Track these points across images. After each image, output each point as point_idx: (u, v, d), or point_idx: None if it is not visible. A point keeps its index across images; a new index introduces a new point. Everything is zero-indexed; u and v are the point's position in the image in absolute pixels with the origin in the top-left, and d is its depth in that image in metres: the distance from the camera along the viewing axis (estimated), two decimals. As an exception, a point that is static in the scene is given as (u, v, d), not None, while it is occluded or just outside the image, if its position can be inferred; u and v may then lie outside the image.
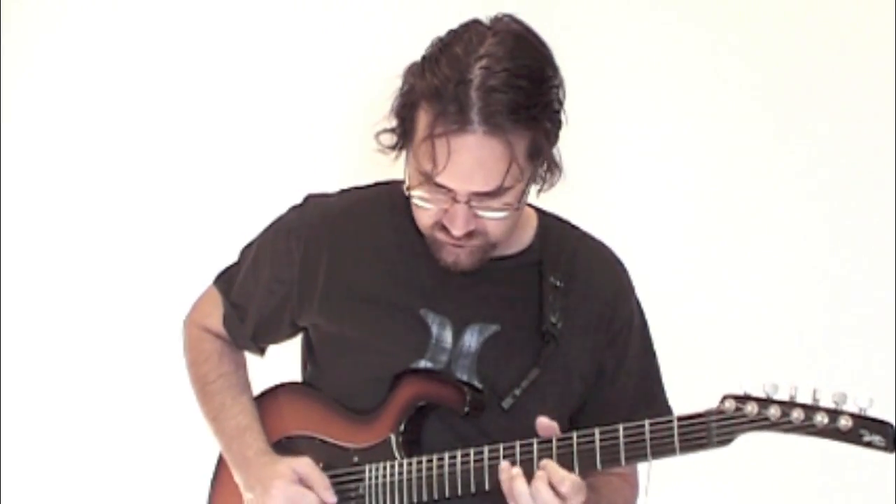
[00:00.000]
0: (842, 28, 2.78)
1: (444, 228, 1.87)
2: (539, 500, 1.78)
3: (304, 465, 1.96)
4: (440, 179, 1.82)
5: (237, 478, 2.04)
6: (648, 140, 2.84)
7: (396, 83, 1.88)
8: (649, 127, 2.83)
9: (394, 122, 1.89)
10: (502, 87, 1.77)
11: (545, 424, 1.83)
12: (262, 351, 2.16)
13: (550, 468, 1.79)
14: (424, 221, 1.89)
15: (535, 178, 1.89)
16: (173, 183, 2.98)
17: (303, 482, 1.95)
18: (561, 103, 1.86)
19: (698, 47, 2.83)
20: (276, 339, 2.13)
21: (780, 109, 2.80)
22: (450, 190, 1.83)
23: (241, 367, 2.16)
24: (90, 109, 2.99)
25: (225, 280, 2.13)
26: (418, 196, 1.86)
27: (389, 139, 1.90)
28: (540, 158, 1.86)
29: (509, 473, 1.81)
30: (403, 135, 1.88)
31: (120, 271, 2.99)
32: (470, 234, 1.86)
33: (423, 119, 1.82)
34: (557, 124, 1.86)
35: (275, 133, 2.95)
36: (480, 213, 1.84)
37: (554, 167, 1.89)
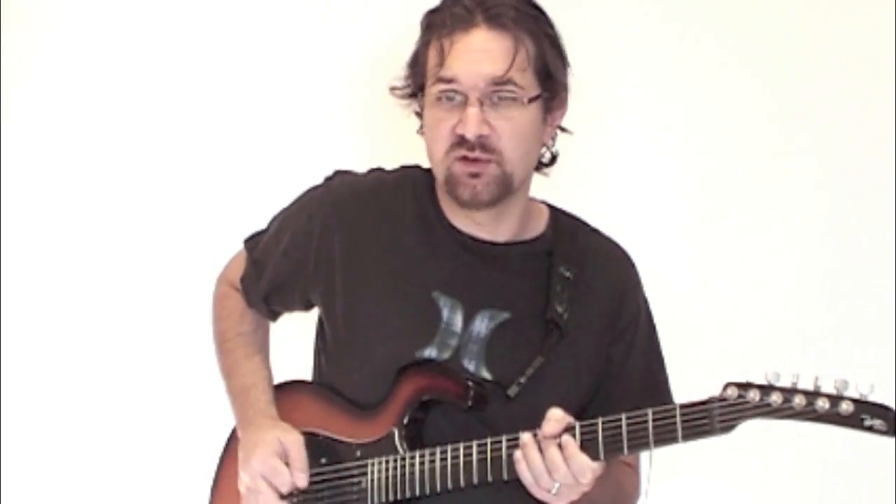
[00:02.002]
0: (842, 28, 2.80)
1: (459, 148, 1.89)
2: (556, 473, 1.80)
3: (291, 441, 1.97)
4: (446, 71, 1.88)
5: (241, 437, 2.05)
6: (651, 137, 2.85)
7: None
8: (652, 124, 2.84)
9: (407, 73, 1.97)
10: (506, 1, 1.89)
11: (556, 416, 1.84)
12: (273, 315, 2.17)
13: (569, 451, 1.80)
14: (440, 147, 1.92)
15: (544, 103, 1.93)
16: (175, 182, 2.97)
17: (284, 456, 1.96)
18: (563, 50, 1.95)
19: (700, 47, 2.84)
20: (287, 305, 2.15)
21: (781, 107, 2.81)
22: (459, 92, 1.88)
23: (262, 327, 2.18)
24: (90, 109, 2.97)
25: (254, 240, 2.16)
26: (432, 115, 1.91)
27: (403, 91, 1.98)
28: (546, 83, 1.92)
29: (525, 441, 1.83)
30: (421, 75, 1.94)
31: (121, 271, 2.98)
32: (484, 149, 1.89)
33: (433, 35, 1.92)
34: (561, 63, 1.94)
35: (277, 133, 2.95)
36: (491, 113, 1.88)
37: (562, 88, 1.95)
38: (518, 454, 1.83)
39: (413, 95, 1.97)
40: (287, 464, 1.96)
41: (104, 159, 2.98)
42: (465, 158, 1.90)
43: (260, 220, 2.17)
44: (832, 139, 2.79)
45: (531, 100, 1.90)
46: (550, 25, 1.94)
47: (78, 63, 2.97)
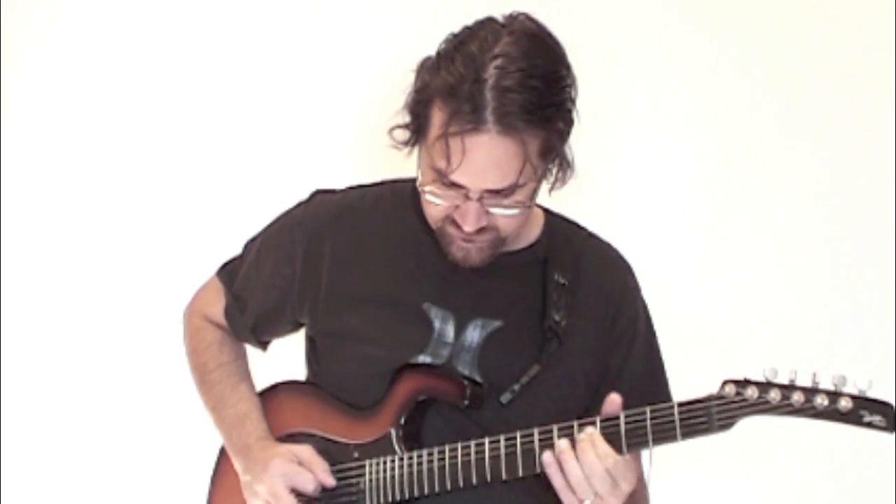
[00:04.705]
0: (842, 28, 2.80)
1: (455, 223, 1.87)
2: (591, 473, 1.77)
3: (305, 450, 1.97)
4: (454, 177, 1.82)
5: (237, 464, 2.04)
6: (651, 137, 2.85)
7: (407, 80, 1.88)
8: (651, 124, 2.85)
9: (407, 118, 1.88)
10: (516, 87, 1.77)
11: (615, 402, 1.81)
12: (263, 345, 2.16)
13: (594, 437, 1.78)
14: (435, 216, 1.90)
15: (546, 175, 1.89)
16: (179, 182, 2.98)
17: (302, 465, 1.96)
18: (573, 102, 1.86)
19: (703, 48, 2.85)
20: (277, 333, 2.13)
21: (782, 109, 2.82)
22: (462, 187, 1.83)
23: (241, 356, 2.17)
24: (92, 109, 2.99)
25: (228, 271, 2.14)
26: (430, 192, 1.86)
27: (402, 135, 1.89)
28: (552, 157, 1.86)
29: (559, 448, 1.79)
30: (416, 131, 1.87)
31: (123, 271, 3.00)
32: (481, 230, 1.86)
33: (437, 116, 1.82)
34: (570, 123, 1.86)
35: (283, 130, 2.96)
36: (492, 209, 1.85)
37: (566, 165, 1.89)
38: (549, 459, 1.80)
39: (407, 143, 1.90)
40: (309, 470, 1.96)
41: (106, 161, 3.00)
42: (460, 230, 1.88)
43: (267, 219, 2.14)
44: (831, 139, 2.80)
45: (531, 196, 1.86)
46: (564, 94, 1.84)
47: (79, 64, 2.98)
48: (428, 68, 1.85)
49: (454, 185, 1.83)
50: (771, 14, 2.84)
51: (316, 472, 1.95)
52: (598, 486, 1.77)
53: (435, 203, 1.87)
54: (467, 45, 1.81)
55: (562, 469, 1.79)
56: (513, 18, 1.85)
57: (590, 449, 1.77)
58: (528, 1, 1.92)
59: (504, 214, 1.86)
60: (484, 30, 1.83)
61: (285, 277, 2.04)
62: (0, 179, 2.99)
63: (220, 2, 2.99)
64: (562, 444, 1.79)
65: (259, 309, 2.09)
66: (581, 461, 1.77)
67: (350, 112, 2.87)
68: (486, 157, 1.80)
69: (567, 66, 1.86)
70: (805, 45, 2.82)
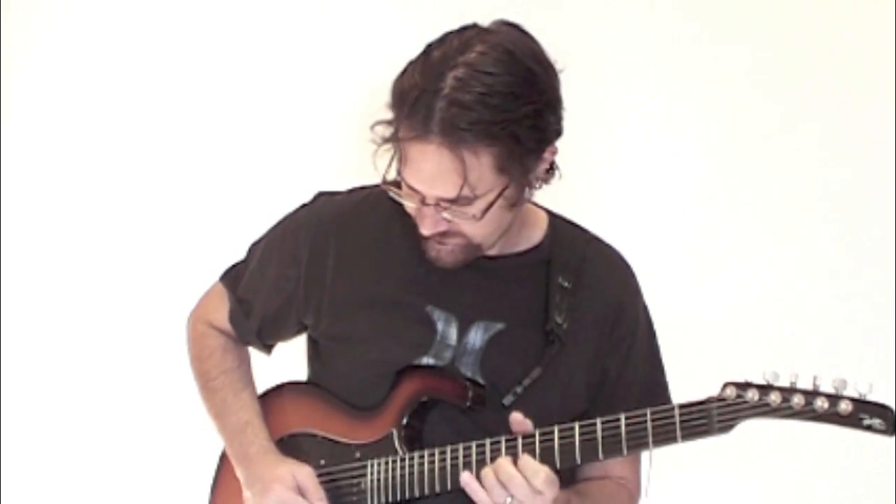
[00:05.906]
0: (842, 28, 2.80)
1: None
2: (511, 485, 1.80)
3: (305, 474, 1.97)
4: (407, 180, 1.83)
5: (239, 474, 2.05)
6: (650, 137, 2.85)
7: None
8: (650, 124, 2.85)
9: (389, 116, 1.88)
10: (470, 101, 1.76)
11: (518, 420, 1.84)
12: (268, 348, 2.16)
13: (524, 459, 1.81)
14: (408, 209, 1.90)
15: (511, 188, 1.85)
16: (176, 183, 2.98)
17: (300, 491, 1.96)
18: (543, 116, 1.82)
19: (700, 47, 2.85)
20: (283, 336, 2.13)
21: (782, 109, 2.82)
22: (418, 191, 1.84)
23: (245, 362, 2.16)
24: (91, 110, 2.99)
25: (232, 276, 2.14)
26: (394, 192, 1.87)
27: (384, 132, 1.88)
28: (511, 172, 1.82)
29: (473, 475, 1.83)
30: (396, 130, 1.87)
31: (122, 272, 3.00)
32: (446, 234, 1.87)
33: (396, 120, 1.83)
34: (536, 138, 1.82)
35: (280, 132, 2.96)
36: (448, 216, 1.84)
37: (529, 180, 1.86)
38: (466, 475, 1.84)
39: (387, 141, 1.88)
40: (304, 497, 1.95)
41: (105, 162, 3.00)
42: None
43: (265, 221, 2.14)
44: (831, 139, 2.80)
45: (486, 209, 1.83)
46: (526, 111, 1.79)
47: (78, 63, 2.98)
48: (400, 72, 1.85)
49: (412, 189, 1.84)
50: (770, 13, 2.84)
51: (311, 501, 1.95)
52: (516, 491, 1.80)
53: (404, 197, 1.87)
54: (432, 53, 1.81)
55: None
56: (498, 25, 1.84)
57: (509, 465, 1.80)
58: (525, 2, 1.92)
59: (461, 218, 1.84)
60: (458, 38, 1.82)
61: (290, 280, 2.04)
62: (0, 179, 2.99)
63: (218, 4, 2.99)
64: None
65: (264, 312, 2.09)
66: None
67: (353, 113, 2.84)
68: (432, 167, 1.79)
69: (540, 81, 1.81)
70: (805, 44, 2.82)
